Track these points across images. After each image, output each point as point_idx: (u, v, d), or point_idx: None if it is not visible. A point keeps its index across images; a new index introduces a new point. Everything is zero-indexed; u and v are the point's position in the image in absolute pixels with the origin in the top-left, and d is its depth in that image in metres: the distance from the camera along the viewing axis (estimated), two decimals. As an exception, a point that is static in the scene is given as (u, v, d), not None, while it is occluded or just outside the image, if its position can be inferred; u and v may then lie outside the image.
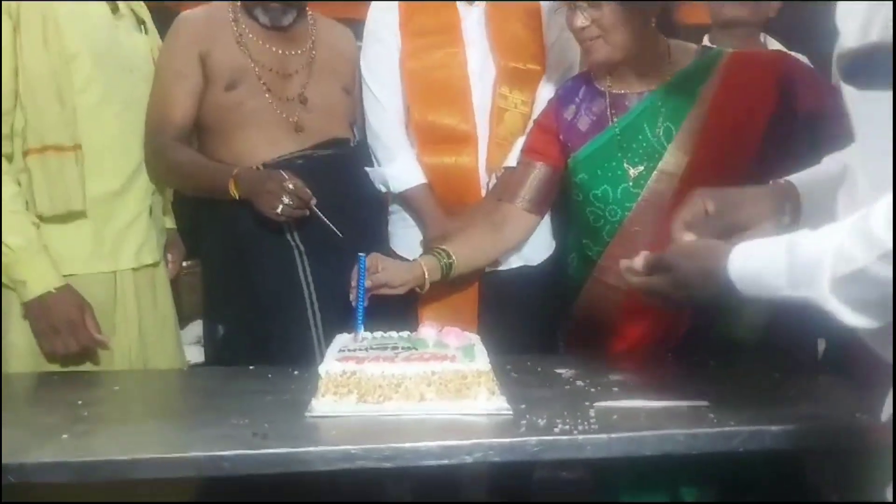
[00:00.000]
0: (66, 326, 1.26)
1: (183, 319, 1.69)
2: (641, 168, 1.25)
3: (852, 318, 0.65)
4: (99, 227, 1.35)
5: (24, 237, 1.24)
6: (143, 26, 1.45)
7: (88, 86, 1.31)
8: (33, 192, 1.27)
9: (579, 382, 1.11)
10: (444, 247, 1.31)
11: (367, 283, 1.19)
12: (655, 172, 1.24)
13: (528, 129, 1.43)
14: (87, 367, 1.32)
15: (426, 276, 1.26)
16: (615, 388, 1.07)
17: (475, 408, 0.98)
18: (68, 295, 1.27)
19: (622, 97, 1.28)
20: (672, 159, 1.23)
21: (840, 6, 0.68)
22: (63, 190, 1.28)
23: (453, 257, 1.29)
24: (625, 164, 1.26)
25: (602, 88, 1.31)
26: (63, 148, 1.28)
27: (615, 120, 1.28)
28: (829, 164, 0.93)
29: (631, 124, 1.26)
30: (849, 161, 0.80)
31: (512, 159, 1.45)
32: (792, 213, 0.95)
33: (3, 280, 1.27)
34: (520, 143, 1.44)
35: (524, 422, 0.93)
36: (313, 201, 1.31)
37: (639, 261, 0.90)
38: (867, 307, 0.65)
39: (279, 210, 1.29)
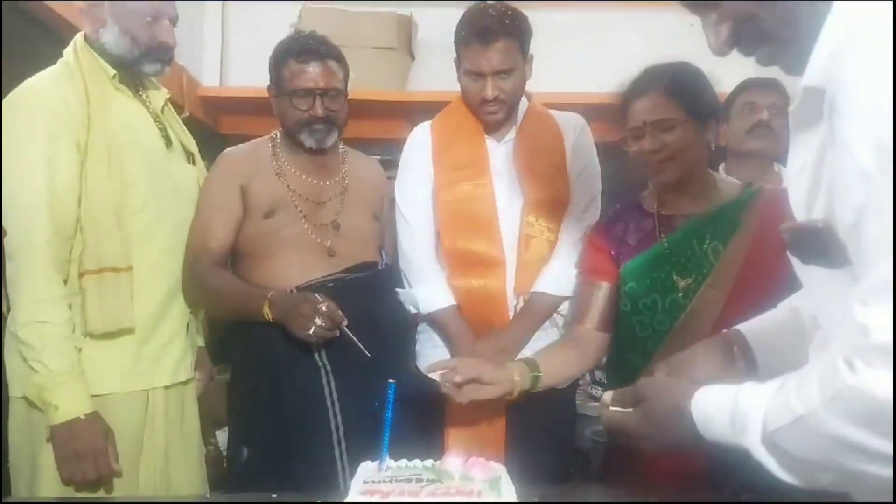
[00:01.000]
0: (90, 454, 1.27)
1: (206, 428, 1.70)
2: (690, 280, 1.28)
3: (780, 472, 0.66)
4: (141, 345, 1.39)
5: (66, 362, 1.29)
6: (191, 158, 1.57)
7: (143, 209, 1.40)
8: (85, 312, 1.32)
9: (609, 517, 1.07)
10: (532, 357, 1.31)
11: (458, 379, 1.20)
12: (704, 285, 1.26)
13: (580, 254, 1.47)
14: (112, 489, 1.32)
15: (517, 380, 1.25)
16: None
17: (502, 549, 0.95)
18: (95, 422, 1.29)
19: (670, 218, 1.34)
20: (719, 276, 1.26)
21: (785, 176, 0.72)
22: (115, 308, 1.34)
23: (541, 369, 1.29)
24: (674, 276, 1.29)
25: (650, 210, 1.37)
26: (118, 269, 1.35)
27: (664, 236, 1.33)
28: (780, 308, 0.98)
29: (680, 240, 1.31)
30: (797, 303, 0.82)
31: (540, 284, 1.49)
32: (744, 358, 0.99)
33: (32, 401, 1.30)
34: (549, 268, 1.49)
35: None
36: (344, 322, 1.35)
37: (608, 394, 0.91)
38: (795, 463, 0.65)
39: (311, 331, 1.33)
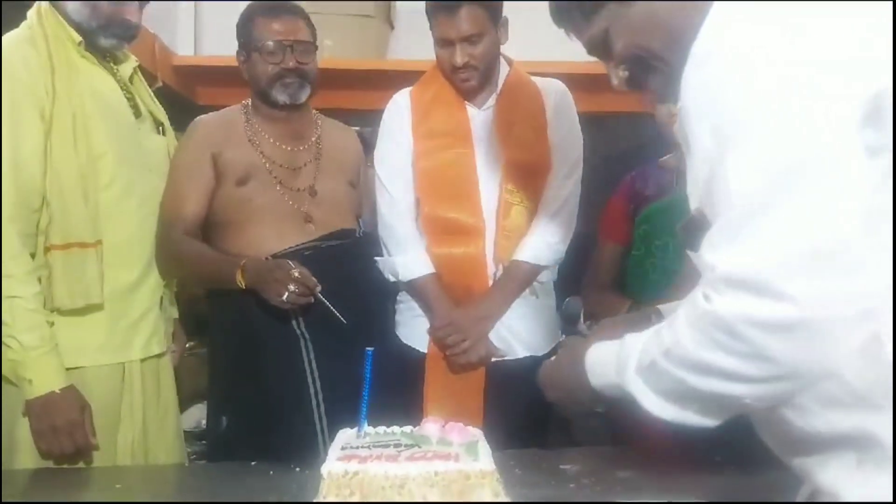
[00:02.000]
0: (66, 427, 1.25)
1: (183, 403, 1.68)
2: None
3: (652, 406, 0.73)
4: (114, 320, 1.37)
5: (38, 336, 1.26)
6: (160, 128, 1.53)
7: (112, 182, 1.36)
8: (52, 287, 1.29)
9: (584, 480, 1.09)
10: None
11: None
12: None
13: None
14: (91, 461, 1.31)
15: None
16: (618, 487, 1.05)
17: (479, 511, 0.96)
18: (71, 396, 1.27)
19: None
20: None
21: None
22: (83, 284, 1.31)
23: None
24: None
25: (671, 168, 1.46)
26: (86, 244, 1.31)
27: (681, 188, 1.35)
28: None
29: None
30: None
31: (520, 253, 1.49)
32: None
33: (6, 377, 1.28)
34: (529, 237, 1.50)
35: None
36: (318, 288, 1.34)
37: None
38: (664, 395, 0.72)
39: (285, 297, 1.31)
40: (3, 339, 1.25)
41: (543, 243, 1.50)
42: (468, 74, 1.49)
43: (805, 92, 0.64)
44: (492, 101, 1.56)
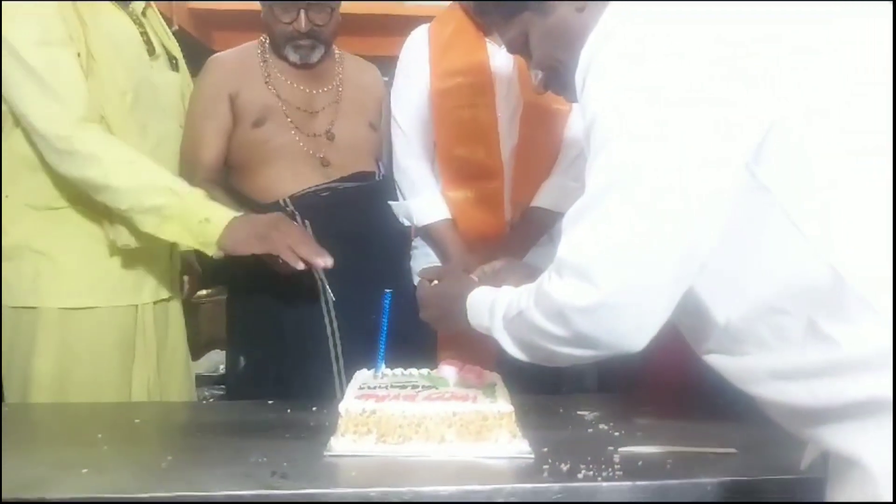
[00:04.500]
0: (272, 221, 1.24)
1: (202, 348, 1.69)
2: None
3: (512, 350, 0.86)
4: (127, 263, 1.36)
5: (184, 185, 1.26)
6: (174, 63, 1.49)
7: (125, 124, 1.34)
8: (114, 225, 1.29)
9: (602, 426, 1.08)
10: None
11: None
12: None
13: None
14: (109, 398, 1.32)
15: None
16: (639, 433, 1.04)
17: (496, 451, 0.96)
18: (253, 214, 1.28)
19: None
20: None
21: None
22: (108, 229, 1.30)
23: None
24: None
25: None
26: None
27: None
28: None
29: None
30: None
31: (539, 199, 1.45)
32: None
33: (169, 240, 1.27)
34: (548, 182, 1.44)
35: (546, 466, 0.91)
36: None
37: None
38: (520, 344, 0.85)
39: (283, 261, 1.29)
40: (146, 203, 1.22)
41: (563, 188, 1.46)
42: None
43: (661, 106, 0.69)
44: None
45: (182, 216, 1.22)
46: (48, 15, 1.22)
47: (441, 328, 1.11)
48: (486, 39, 1.49)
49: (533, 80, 0.92)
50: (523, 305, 0.81)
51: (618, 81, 0.72)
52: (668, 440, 0.99)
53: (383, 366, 1.15)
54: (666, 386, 1.24)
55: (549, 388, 1.26)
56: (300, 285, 1.39)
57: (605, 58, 0.74)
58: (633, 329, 0.73)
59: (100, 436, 1.00)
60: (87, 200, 1.29)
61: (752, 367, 0.74)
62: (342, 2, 1.48)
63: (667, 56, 0.70)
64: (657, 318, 0.72)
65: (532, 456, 0.94)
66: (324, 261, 1.23)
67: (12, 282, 1.31)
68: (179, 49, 1.52)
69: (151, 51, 1.41)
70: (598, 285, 0.71)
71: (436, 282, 1.10)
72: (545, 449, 0.96)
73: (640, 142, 0.70)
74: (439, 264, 1.39)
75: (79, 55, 1.25)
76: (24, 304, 1.31)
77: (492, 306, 0.90)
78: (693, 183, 0.68)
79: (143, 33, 1.41)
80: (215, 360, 2.14)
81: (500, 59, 1.48)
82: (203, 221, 1.22)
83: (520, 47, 0.91)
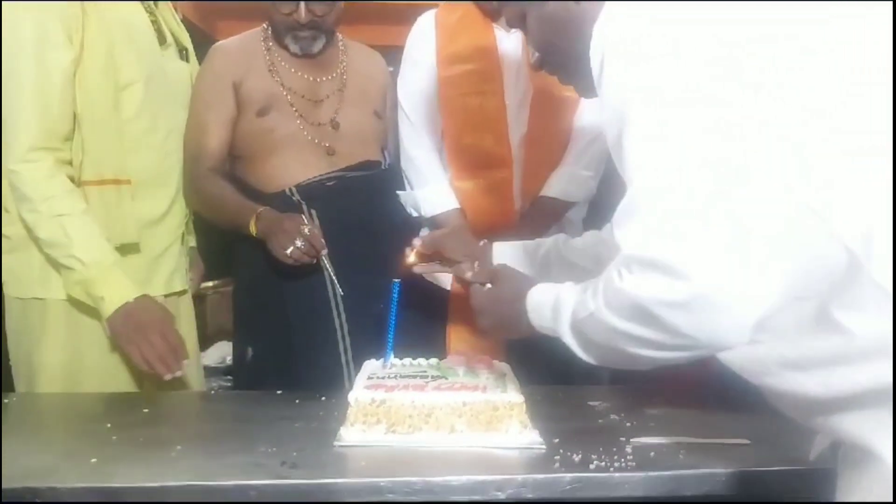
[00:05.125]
0: (155, 325, 1.22)
1: (208, 339, 1.69)
2: None
3: (582, 353, 0.82)
4: (137, 256, 1.35)
5: (98, 250, 1.23)
6: (184, 53, 1.48)
7: (138, 115, 1.32)
8: None
9: (613, 416, 1.07)
10: None
11: (418, 245, 1.19)
12: None
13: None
14: (117, 389, 1.32)
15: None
16: (651, 424, 1.04)
17: (507, 441, 0.95)
18: (148, 300, 1.25)
19: None
20: None
21: None
22: (121, 222, 1.29)
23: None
24: None
25: None
26: (119, 181, 1.29)
27: None
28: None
29: None
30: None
31: (549, 188, 1.43)
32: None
33: (71, 296, 1.26)
34: (559, 171, 1.42)
35: (558, 457, 0.90)
36: (324, 251, 1.31)
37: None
38: (591, 347, 0.80)
39: (289, 251, 1.29)
40: (61, 260, 1.22)
41: (574, 177, 1.44)
42: None
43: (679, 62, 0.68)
44: None
45: (83, 284, 1.23)
46: (46, 15, 1.21)
47: (502, 335, 1.03)
48: (494, 25, 1.47)
49: (530, 56, 0.92)
50: (593, 307, 0.76)
51: (648, 74, 0.70)
52: (680, 431, 0.99)
53: (392, 356, 1.14)
54: (677, 377, 1.23)
55: (559, 379, 1.25)
56: (307, 276, 1.38)
57: (625, 38, 0.73)
58: (733, 322, 0.67)
59: (109, 425, 1.00)
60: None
61: (763, 357, 0.73)
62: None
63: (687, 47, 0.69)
64: (758, 306, 0.67)
65: (543, 446, 0.93)
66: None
67: (20, 273, 1.31)
68: (188, 37, 1.51)
69: (162, 40, 1.40)
70: (690, 277, 0.66)
71: (489, 285, 1.02)
72: (556, 439, 0.95)
73: (696, 130, 0.67)
74: (537, 271, 1.16)
75: (74, 48, 1.23)
76: (33, 294, 1.30)
77: (556, 306, 0.84)
78: (756, 162, 0.66)
79: (154, 22, 1.39)
80: (222, 352, 2.14)
81: (508, 44, 1.46)
82: (99, 298, 1.22)
83: (518, 24, 0.92)
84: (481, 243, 1.20)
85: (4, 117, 1.22)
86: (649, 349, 0.72)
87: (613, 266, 0.73)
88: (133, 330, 1.21)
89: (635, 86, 0.70)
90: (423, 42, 1.49)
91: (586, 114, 1.46)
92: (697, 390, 1.21)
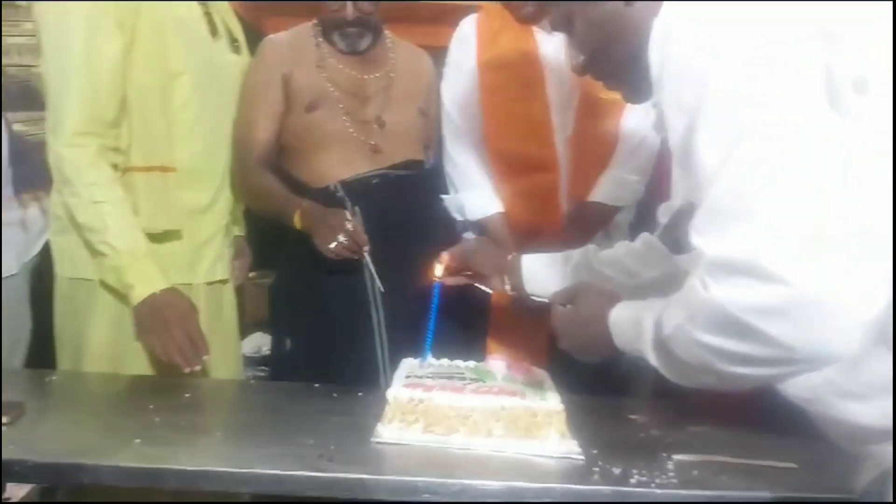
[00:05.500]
0: (177, 319, 1.23)
1: (244, 330, 1.70)
2: None
3: (667, 373, 0.77)
4: (180, 242, 1.37)
5: (132, 240, 1.25)
6: (236, 45, 1.50)
7: (186, 105, 1.34)
8: (136, 209, 1.28)
9: (654, 431, 1.05)
10: None
11: (444, 259, 1.19)
12: None
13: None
14: (159, 373, 1.34)
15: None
16: (693, 441, 1.01)
17: (545, 449, 0.94)
18: (175, 293, 1.27)
19: None
20: None
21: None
22: (165, 209, 1.31)
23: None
24: None
25: None
26: (167, 168, 1.31)
27: None
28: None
29: None
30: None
31: (596, 193, 1.41)
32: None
33: (104, 282, 1.28)
34: (606, 175, 1.40)
35: (597, 469, 0.89)
36: (367, 248, 1.32)
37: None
38: (677, 366, 0.75)
39: (332, 246, 1.29)
40: (96, 246, 1.25)
41: (621, 181, 1.42)
42: (519, 2, 1.36)
43: (771, 65, 0.64)
44: None
45: (115, 272, 1.25)
46: (97, 1, 1.23)
47: (585, 357, 0.97)
48: (534, 28, 1.45)
49: (573, 60, 0.89)
50: (676, 322, 0.72)
51: (720, 58, 0.67)
52: (724, 450, 0.96)
53: (430, 356, 1.14)
54: (721, 393, 1.20)
55: (598, 390, 1.23)
56: (347, 271, 1.39)
57: (692, 37, 0.70)
58: (838, 329, 0.62)
59: (151, 407, 1.02)
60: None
61: (816, 385, 0.70)
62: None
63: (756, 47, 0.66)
64: (866, 311, 0.62)
65: (582, 457, 0.92)
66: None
67: (70, 253, 1.34)
68: (241, 29, 1.53)
69: (214, 31, 1.42)
70: (788, 280, 0.61)
71: (570, 305, 0.98)
72: (595, 451, 0.94)
73: (767, 112, 0.64)
74: (567, 284, 1.12)
75: (125, 35, 1.25)
76: (83, 276, 1.33)
77: (638, 325, 0.80)
78: (832, 147, 0.63)
79: (207, 14, 1.41)
80: (258, 342, 2.16)
81: (549, 47, 1.44)
82: (128, 286, 1.24)
83: (563, 27, 0.89)
84: (509, 257, 1.18)
85: (53, 101, 1.26)
86: (740, 365, 0.67)
87: (695, 275, 0.68)
88: (157, 321, 1.23)
89: (715, 86, 0.66)
90: (464, 46, 1.49)
91: (632, 116, 1.44)
92: (741, 409, 1.18)
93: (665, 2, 0.74)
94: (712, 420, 1.10)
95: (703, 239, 0.67)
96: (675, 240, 0.84)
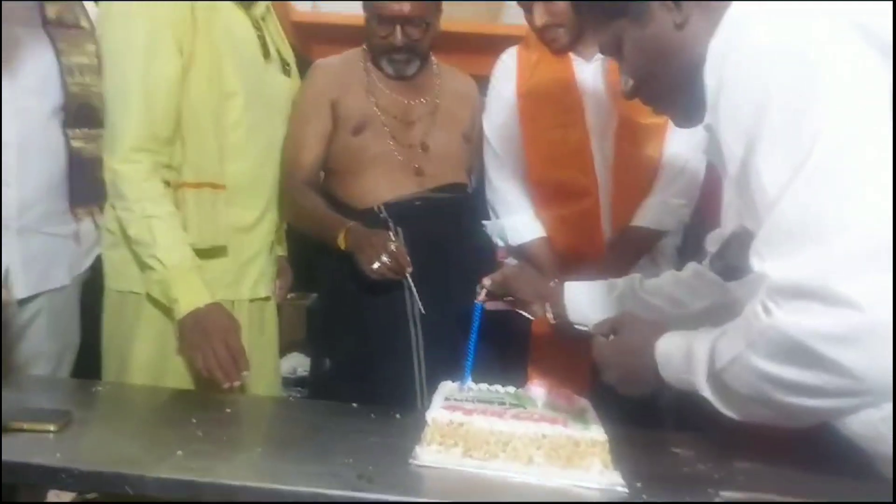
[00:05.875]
0: (219, 333, 1.24)
1: (281, 350, 1.71)
2: None
3: (722, 406, 0.75)
4: (226, 259, 1.39)
5: (179, 254, 1.28)
6: (287, 68, 1.54)
7: (238, 124, 1.38)
8: (185, 224, 1.31)
9: (700, 465, 1.01)
10: None
11: (486, 283, 1.18)
12: None
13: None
14: (200, 387, 1.35)
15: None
16: (741, 477, 0.97)
17: (587, 479, 0.91)
18: (218, 309, 1.29)
19: None
20: None
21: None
22: (213, 225, 1.34)
23: None
24: None
25: None
26: (216, 185, 1.34)
27: None
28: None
29: None
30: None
31: (639, 217, 1.40)
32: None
33: (151, 296, 1.31)
34: (649, 200, 1.39)
35: (640, 502, 0.86)
36: (409, 269, 1.33)
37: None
38: (733, 398, 0.73)
39: (375, 266, 1.31)
40: (145, 260, 1.28)
41: (665, 206, 1.41)
42: (554, 34, 1.42)
43: (828, 74, 0.63)
44: None
45: (161, 285, 1.27)
46: (158, 22, 1.28)
47: (629, 390, 0.94)
48: (572, 56, 1.46)
49: (622, 85, 0.88)
50: (734, 351, 0.69)
51: (774, 75, 0.66)
52: (773, 488, 0.92)
53: (469, 379, 1.13)
54: (770, 428, 1.15)
55: (641, 421, 1.20)
56: (388, 292, 1.39)
57: (748, 56, 0.69)
58: None
59: (194, 420, 1.03)
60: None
61: (878, 422, 0.67)
62: (439, 17, 1.50)
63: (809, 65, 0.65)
64: None
65: (626, 490, 0.89)
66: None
67: (120, 267, 1.37)
68: (292, 53, 1.57)
69: (266, 54, 1.46)
70: (861, 306, 0.58)
71: (612, 336, 0.96)
72: (638, 484, 0.91)
73: (826, 131, 0.62)
74: (611, 313, 1.11)
75: (183, 57, 1.29)
76: (131, 289, 1.36)
77: (689, 355, 0.78)
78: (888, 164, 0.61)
79: (261, 37, 1.46)
80: (294, 363, 2.18)
81: (587, 73, 1.46)
82: (173, 300, 1.26)
83: (612, 51, 0.88)
84: (552, 283, 1.17)
85: (111, 119, 1.30)
86: (804, 396, 0.64)
87: (756, 300, 0.66)
88: (199, 335, 1.25)
89: (775, 104, 0.65)
90: (505, 78, 1.52)
91: (676, 140, 1.43)
92: (792, 445, 1.13)
93: (720, 24, 0.73)
94: (761, 456, 1.06)
95: (766, 263, 0.65)
96: (727, 266, 0.81)
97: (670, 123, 1.41)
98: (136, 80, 1.28)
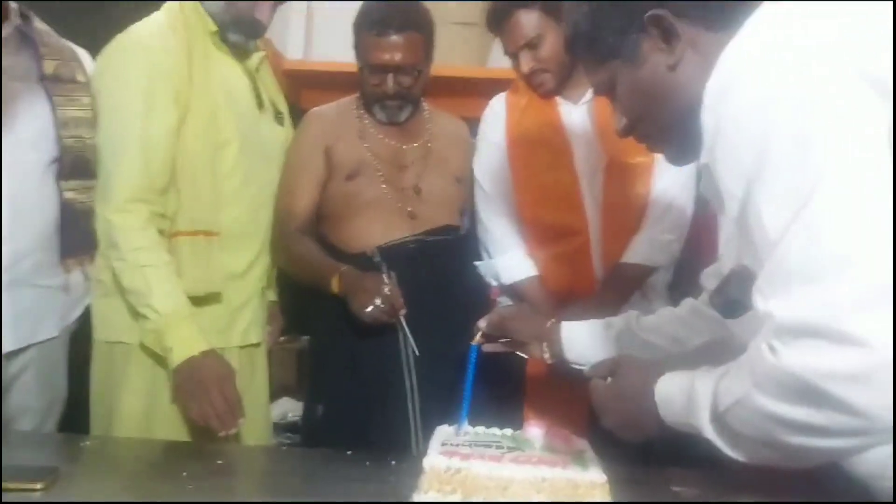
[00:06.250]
0: (215, 382, 1.23)
1: (271, 396, 1.69)
2: None
3: (728, 449, 0.73)
4: (218, 306, 1.39)
5: (174, 303, 1.27)
6: (280, 117, 1.56)
7: (232, 172, 1.39)
8: (180, 271, 1.31)
9: (702, 504, 1.00)
10: None
11: (482, 325, 1.17)
12: None
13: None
14: (191, 437, 1.33)
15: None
16: (744, 517, 0.96)
17: (588, 523, 0.90)
18: (214, 356, 1.28)
19: None
20: None
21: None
22: (207, 272, 1.34)
23: None
24: None
25: None
26: (211, 232, 1.35)
27: None
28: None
29: None
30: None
31: (630, 254, 1.41)
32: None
33: (142, 346, 1.30)
34: (639, 236, 1.40)
35: (643, 545, 0.84)
36: (403, 311, 1.33)
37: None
38: (740, 441, 0.71)
39: (369, 310, 1.30)
40: (139, 309, 1.28)
41: (655, 242, 1.42)
42: (541, 79, 1.45)
43: (828, 113, 0.63)
44: (589, 94, 1.48)
45: (155, 334, 1.27)
46: (156, 75, 1.30)
47: (628, 435, 0.92)
48: (558, 99, 1.49)
49: (616, 123, 0.89)
50: (739, 392, 0.67)
51: (773, 112, 0.66)
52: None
53: (466, 423, 1.12)
54: (772, 467, 1.14)
55: (640, 459, 1.18)
56: (381, 335, 1.38)
57: (746, 96, 0.69)
58: None
59: (185, 473, 1.00)
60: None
61: (881, 457, 0.66)
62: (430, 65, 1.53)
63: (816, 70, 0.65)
64: None
65: (628, 532, 0.87)
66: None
67: (110, 317, 1.36)
68: (286, 104, 1.60)
69: (260, 104, 1.48)
70: (871, 343, 0.57)
71: (610, 379, 0.94)
72: (640, 526, 0.89)
73: (827, 163, 0.62)
74: (604, 357, 1.09)
75: (180, 108, 1.31)
76: (119, 339, 1.35)
77: (691, 397, 0.76)
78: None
79: (255, 87, 1.48)
80: (285, 408, 2.14)
81: (574, 116, 1.49)
82: (168, 349, 1.26)
83: (606, 91, 0.88)
84: (549, 323, 1.17)
85: (106, 170, 1.31)
86: (812, 436, 0.63)
87: (761, 340, 0.65)
88: (195, 384, 1.23)
89: (776, 144, 0.64)
90: (494, 123, 1.54)
91: (663, 177, 1.45)
92: (794, 483, 1.12)
93: (716, 65, 0.73)
94: (762, 495, 1.05)
95: (770, 302, 0.64)
96: (727, 303, 0.80)
97: (657, 161, 1.45)
98: (133, 130, 1.30)
